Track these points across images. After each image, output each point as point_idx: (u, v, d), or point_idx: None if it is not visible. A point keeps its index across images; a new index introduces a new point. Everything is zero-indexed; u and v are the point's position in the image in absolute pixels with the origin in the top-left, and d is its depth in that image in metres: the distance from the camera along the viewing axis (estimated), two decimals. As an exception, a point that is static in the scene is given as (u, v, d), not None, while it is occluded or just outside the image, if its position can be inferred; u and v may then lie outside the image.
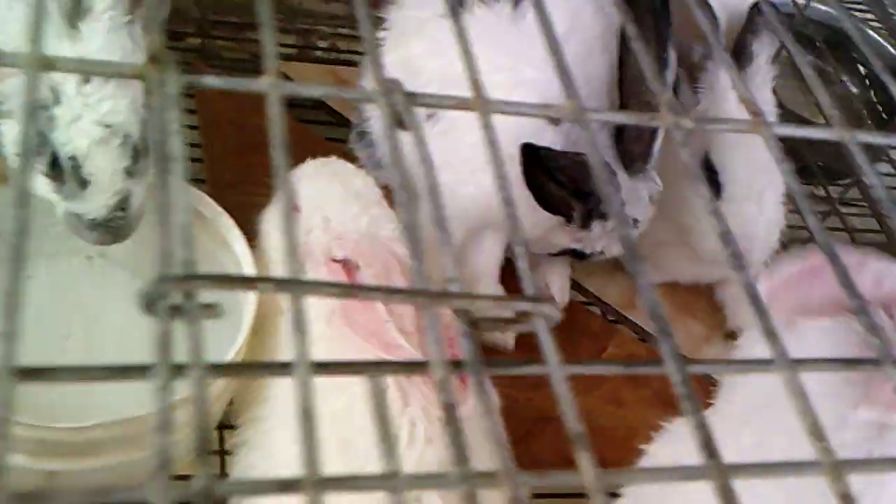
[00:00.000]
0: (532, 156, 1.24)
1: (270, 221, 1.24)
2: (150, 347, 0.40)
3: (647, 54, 0.63)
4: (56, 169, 1.03)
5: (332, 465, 0.98)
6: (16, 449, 0.97)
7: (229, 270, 1.22)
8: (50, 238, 1.24)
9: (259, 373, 0.44)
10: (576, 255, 1.47)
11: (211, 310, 0.42)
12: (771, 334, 0.49)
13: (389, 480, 0.40)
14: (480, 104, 0.55)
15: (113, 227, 1.06)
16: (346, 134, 1.58)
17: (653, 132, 1.29)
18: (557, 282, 1.52)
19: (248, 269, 1.17)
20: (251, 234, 1.23)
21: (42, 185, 1.05)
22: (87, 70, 0.49)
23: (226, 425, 1.23)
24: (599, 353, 1.45)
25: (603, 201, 1.26)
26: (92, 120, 1.01)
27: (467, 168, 1.28)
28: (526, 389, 1.35)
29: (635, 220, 1.35)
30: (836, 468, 0.42)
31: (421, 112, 1.38)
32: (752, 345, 1.08)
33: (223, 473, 1.22)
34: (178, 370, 0.39)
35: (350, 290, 0.43)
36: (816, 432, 0.44)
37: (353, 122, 1.55)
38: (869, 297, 0.96)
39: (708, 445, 0.42)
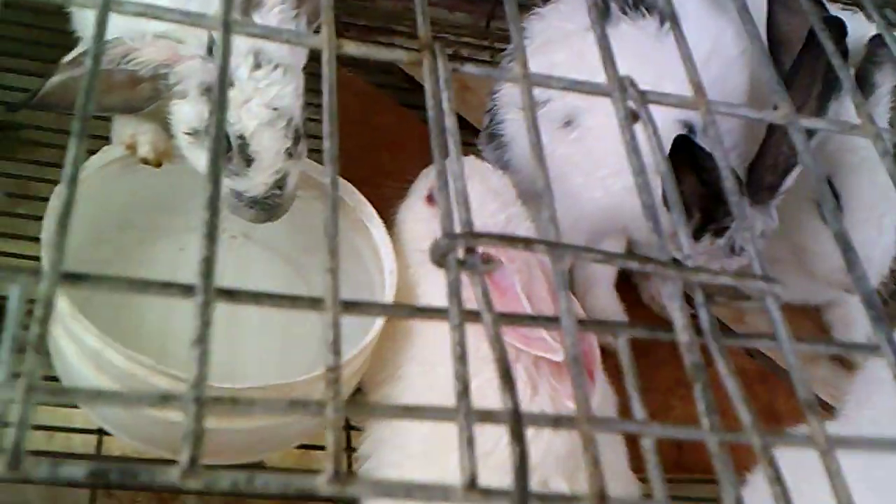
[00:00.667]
0: (684, 149, 1.25)
1: (408, 212, 1.30)
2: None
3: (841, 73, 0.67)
4: (224, 147, 1.09)
5: (454, 459, 1.03)
6: (173, 405, 1.03)
7: (367, 257, 1.28)
8: (198, 215, 1.32)
9: (533, 323, 0.50)
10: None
11: (490, 264, 0.47)
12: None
13: (647, 426, 0.44)
14: (703, 103, 0.60)
15: (269, 205, 1.12)
16: (470, 136, 1.65)
17: (788, 167, 1.31)
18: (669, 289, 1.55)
19: (387, 253, 1.23)
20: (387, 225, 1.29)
21: (202, 160, 1.12)
22: (368, 54, 0.55)
23: (352, 426, 1.29)
24: (707, 364, 1.48)
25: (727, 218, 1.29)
26: (261, 103, 1.07)
27: (598, 173, 1.33)
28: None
29: (741, 249, 1.38)
30: None
31: (558, 119, 1.43)
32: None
33: (350, 446, 1.28)
34: (471, 315, 0.45)
35: (610, 256, 0.48)
36: None
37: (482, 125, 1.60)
38: None
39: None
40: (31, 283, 0.40)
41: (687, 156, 1.25)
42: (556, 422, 0.43)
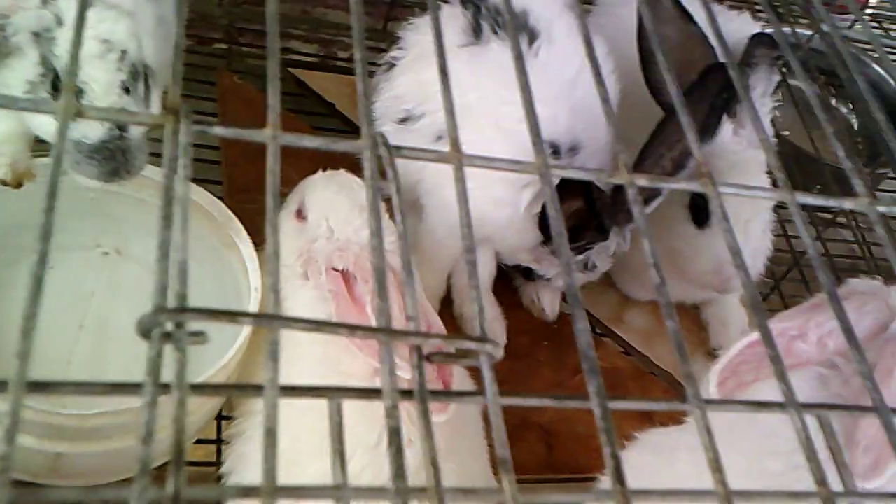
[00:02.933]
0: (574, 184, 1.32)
1: (278, 227, 1.31)
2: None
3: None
4: (58, 90, 1.03)
5: (312, 467, 1.05)
6: (26, 431, 1.05)
7: (236, 270, 1.30)
8: (69, 232, 1.32)
9: (235, 393, 0.52)
10: (525, 272, 1.54)
11: (199, 337, 0.49)
12: (688, 376, 0.56)
13: (337, 490, 0.47)
14: (456, 158, 0.62)
15: (111, 151, 1.03)
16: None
17: (651, 194, 1.36)
18: (548, 295, 1.58)
19: (253, 269, 1.25)
20: (260, 238, 1.31)
21: (46, 122, 1.07)
22: (114, 118, 0.56)
23: (224, 416, 1.31)
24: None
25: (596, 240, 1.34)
26: (90, 36, 1.02)
27: (468, 183, 1.36)
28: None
29: (594, 266, 1.43)
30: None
31: (432, 134, 1.46)
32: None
33: (219, 461, 1.29)
34: (164, 388, 0.47)
35: (319, 325, 0.50)
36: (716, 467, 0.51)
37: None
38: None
39: (617, 472, 0.49)
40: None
41: (574, 183, 1.31)
42: (244, 492, 0.45)
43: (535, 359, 1.50)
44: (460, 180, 0.63)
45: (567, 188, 1.31)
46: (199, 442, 1.29)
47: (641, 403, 0.58)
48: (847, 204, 0.69)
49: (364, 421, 1.10)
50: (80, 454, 1.08)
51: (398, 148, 0.63)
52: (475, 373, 1.21)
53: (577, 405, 0.55)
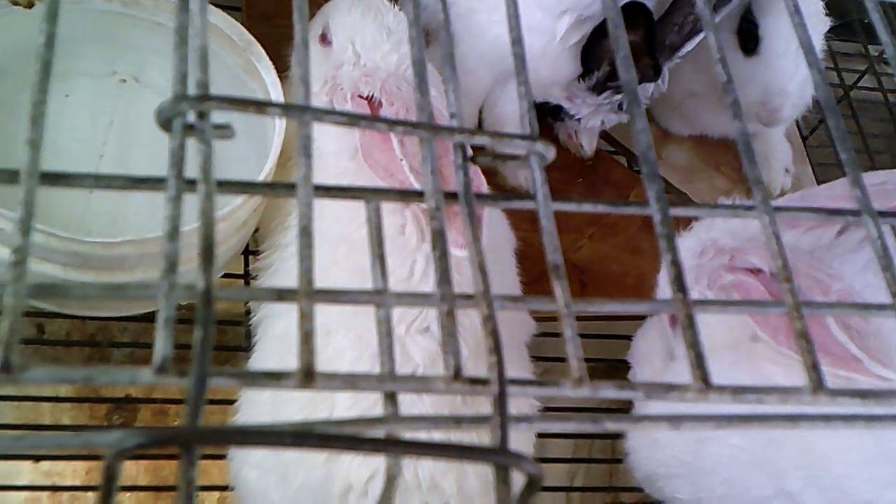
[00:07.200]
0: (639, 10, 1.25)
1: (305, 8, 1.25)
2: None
3: None
4: None
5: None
6: (51, 260, 1.02)
7: (258, 97, 1.24)
8: (83, 59, 1.27)
9: (265, 191, 0.47)
10: (553, 112, 1.47)
11: (223, 130, 0.44)
12: (757, 182, 0.51)
13: (377, 296, 0.43)
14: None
15: None
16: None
17: (693, 30, 1.27)
18: (586, 130, 1.52)
19: (277, 96, 1.19)
20: (283, 66, 1.25)
21: None
22: None
23: (251, 251, 1.28)
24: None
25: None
26: None
27: (500, 10, 1.28)
28: (544, 233, 1.39)
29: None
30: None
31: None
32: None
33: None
34: (189, 184, 0.43)
35: (354, 118, 0.45)
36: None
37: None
38: None
39: (679, 280, 0.45)
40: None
41: (636, 12, 1.23)
42: (279, 295, 0.42)
43: (569, 195, 1.45)
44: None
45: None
46: (226, 276, 1.27)
47: (703, 210, 0.54)
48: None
49: (395, 253, 1.06)
50: (104, 284, 1.05)
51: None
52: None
53: (636, 211, 0.51)
